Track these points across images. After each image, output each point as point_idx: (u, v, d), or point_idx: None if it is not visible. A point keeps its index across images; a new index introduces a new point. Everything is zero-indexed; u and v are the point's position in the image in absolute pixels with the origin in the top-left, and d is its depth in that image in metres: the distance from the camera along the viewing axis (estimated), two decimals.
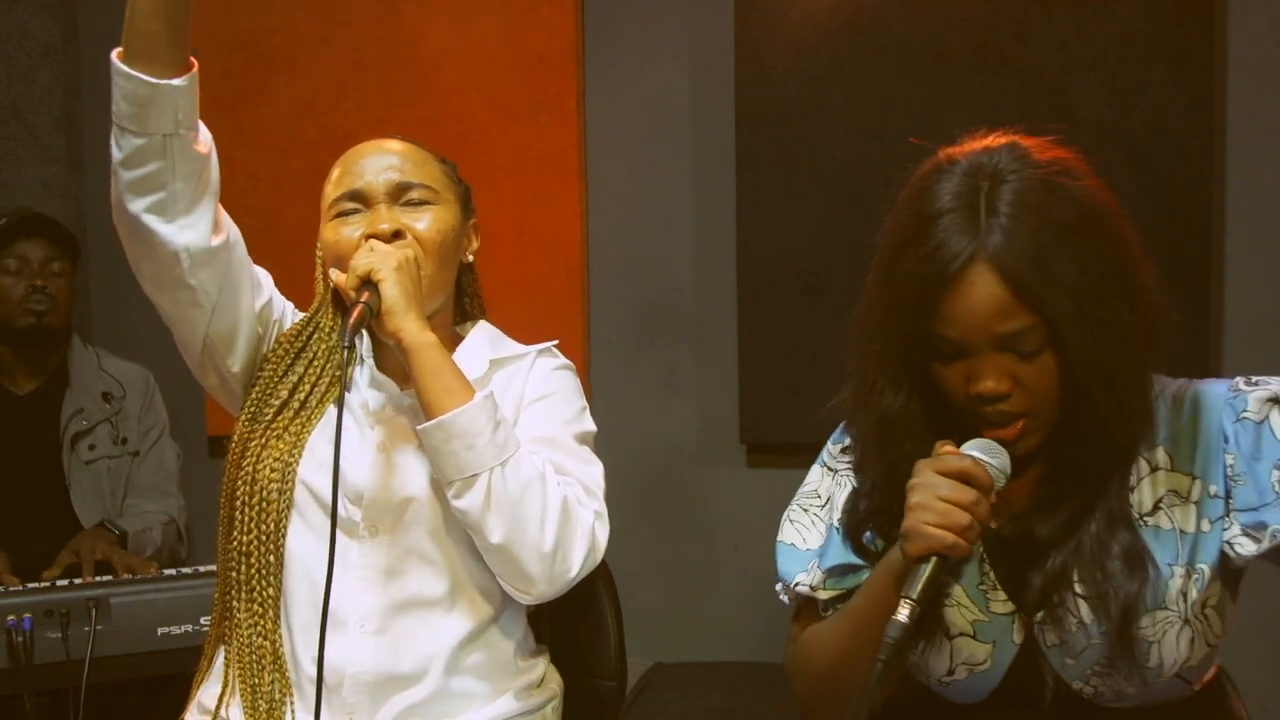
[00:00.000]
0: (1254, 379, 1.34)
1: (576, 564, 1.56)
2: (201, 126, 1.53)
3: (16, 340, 2.64)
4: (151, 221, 1.51)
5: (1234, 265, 2.69)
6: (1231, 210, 2.70)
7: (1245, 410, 1.30)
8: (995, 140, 1.31)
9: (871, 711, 1.42)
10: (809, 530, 1.48)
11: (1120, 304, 1.24)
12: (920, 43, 2.78)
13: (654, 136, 3.02)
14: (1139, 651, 1.28)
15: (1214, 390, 1.34)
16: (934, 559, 1.22)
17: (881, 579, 1.32)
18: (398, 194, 1.64)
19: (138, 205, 1.50)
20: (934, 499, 1.22)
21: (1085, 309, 1.21)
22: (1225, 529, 1.29)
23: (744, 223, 2.93)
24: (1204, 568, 1.29)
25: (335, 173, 1.68)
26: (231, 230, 1.60)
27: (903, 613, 1.20)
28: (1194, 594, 1.29)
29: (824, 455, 1.54)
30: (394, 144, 1.69)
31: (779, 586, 1.51)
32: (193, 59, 1.50)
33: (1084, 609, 1.30)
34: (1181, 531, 1.30)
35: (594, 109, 3.04)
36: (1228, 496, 1.29)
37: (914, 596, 1.20)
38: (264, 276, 1.70)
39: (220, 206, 1.59)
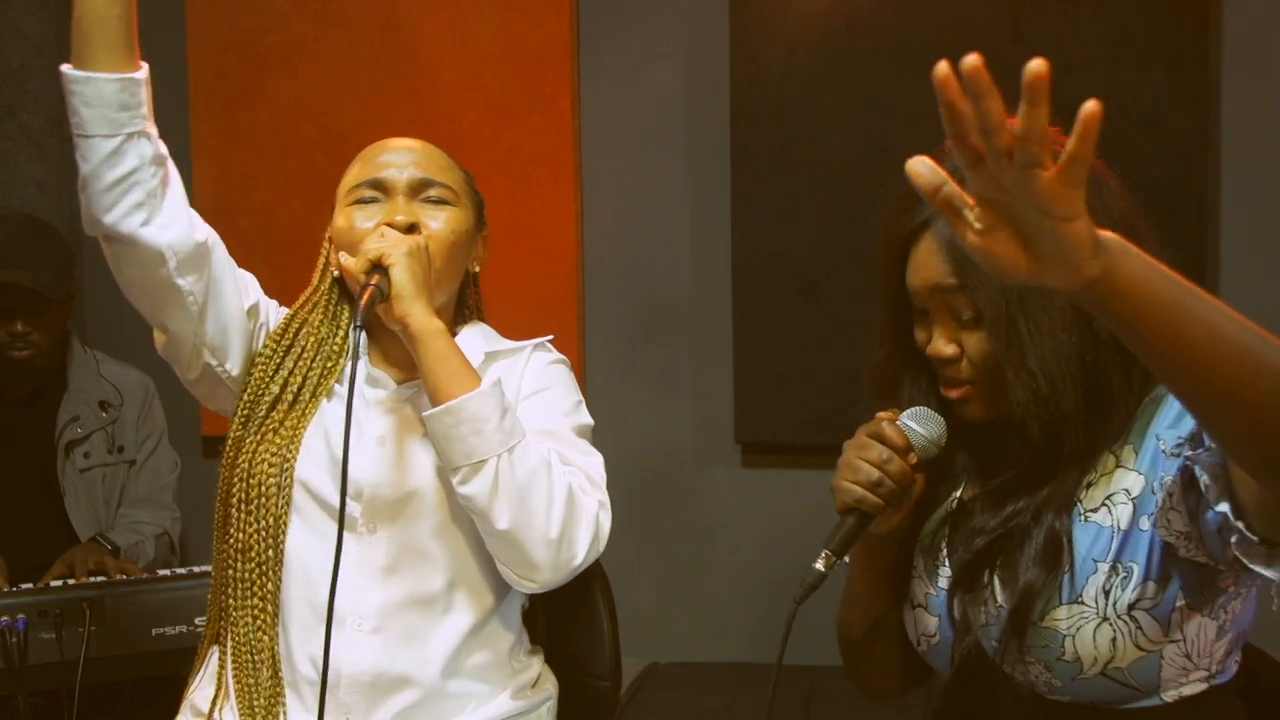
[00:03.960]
0: None
1: (582, 551, 1.57)
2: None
3: (11, 371, 2.60)
4: (132, 226, 1.51)
5: (1229, 265, 2.70)
6: (1226, 210, 2.70)
7: None
8: None
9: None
10: None
11: (1053, 300, 1.26)
12: (916, 42, 2.77)
13: (649, 136, 3.02)
14: (1035, 641, 1.30)
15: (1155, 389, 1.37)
16: (856, 513, 1.32)
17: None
18: (418, 189, 1.65)
19: (116, 214, 1.50)
20: (852, 457, 1.33)
21: (1010, 296, 1.26)
22: (1155, 520, 1.28)
23: (739, 222, 2.92)
24: (1134, 566, 1.28)
25: (356, 164, 1.70)
26: (210, 232, 1.61)
27: (819, 562, 1.31)
28: (1120, 593, 1.28)
29: None
30: (419, 143, 1.71)
31: None
32: (140, 60, 1.52)
33: (1000, 593, 1.33)
34: (1116, 528, 1.30)
35: (589, 108, 3.04)
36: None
37: (830, 548, 1.31)
38: (249, 278, 1.70)
39: (193, 210, 1.60)
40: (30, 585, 2.15)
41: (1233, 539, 1.13)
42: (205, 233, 1.59)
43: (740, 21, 2.89)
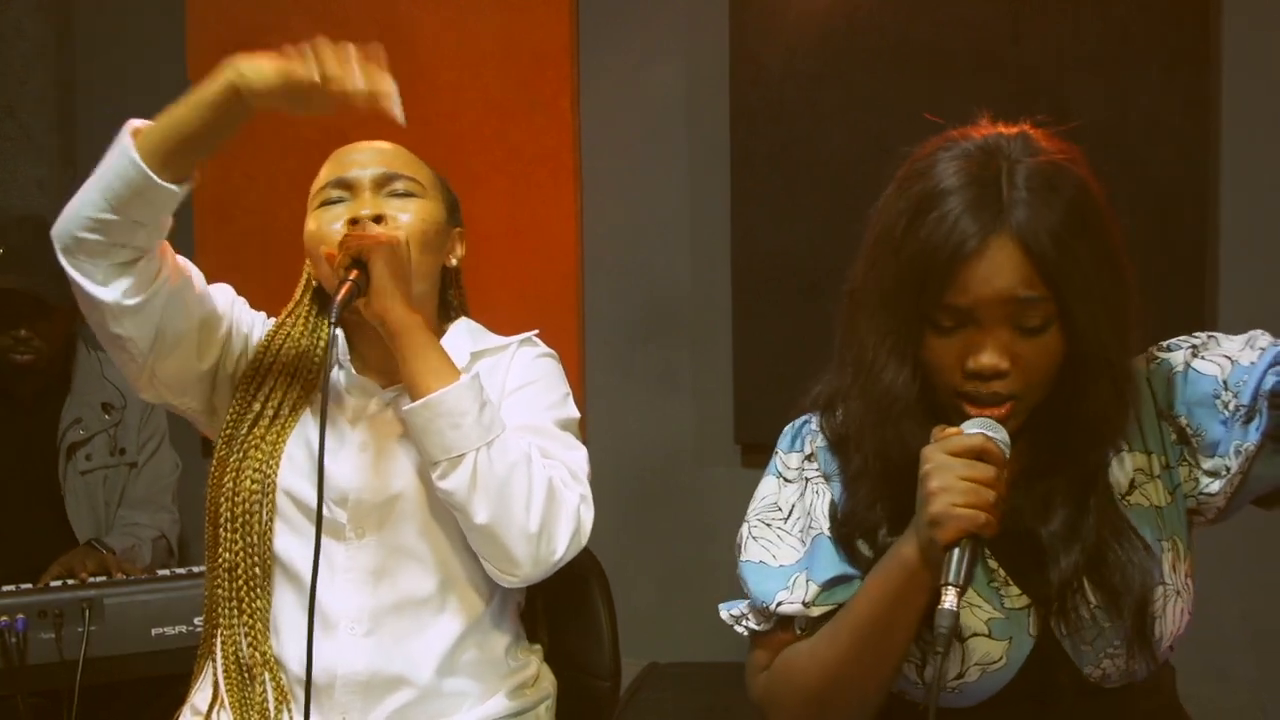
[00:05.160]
0: (1165, 344, 1.39)
1: (562, 545, 1.56)
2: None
3: (14, 374, 2.60)
4: (73, 273, 1.50)
5: (1229, 263, 2.70)
6: (1226, 209, 2.70)
7: (1172, 372, 1.36)
8: (1005, 128, 1.33)
9: None
10: (777, 545, 1.44)
11: (1118, 291, 1.28)
12: (916, 42, 2.78)
13: (649, 136, 3.02)
14: (1150, 631, 1.31)
15: (1137, 368, 1.37)
16: (967, 541, 1.20)
17: (890, 577, 1.28)
18: (383, 183, 1.66)
19: (65, 257, 1.50)
20: (955, 479, 1.20)
21: (1094, 291, 1.24)
22: (1187, 492, 1.34)
23: (739, 222, 2.93)
24: (1177, 538, 1.34)
25: (323, 168, 1.70)
26: (167, 281, 1.54)
27: (949, 600, 1.18)
28: (1179, 565, 1.33)
29: (776, 466, 1.50)
30: (383, 142, 1.72)
31: (738, 611, 1.47)
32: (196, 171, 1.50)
33: (1095, 595, 1.31)
34: (1156, 507, 1.34)
35: (589, 108, 3.04)
36: (1186, 457, 1.35)
37: (957, 582, 1.18)
38: (224, 305, 1.67)
39: (169, 254, 1.56)
40: (30, 585, 2.15)
41: None
42: (154, 288, 1.53)
43: (740, 21, 2.89)
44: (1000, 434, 1.25)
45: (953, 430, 1.25)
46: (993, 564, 1.34)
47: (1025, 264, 1.22)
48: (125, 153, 1.44)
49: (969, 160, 1.28)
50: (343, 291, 1.50)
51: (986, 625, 1.32)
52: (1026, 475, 1.35)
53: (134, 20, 3.29)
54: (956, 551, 1.20)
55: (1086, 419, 1.30)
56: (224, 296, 1.69)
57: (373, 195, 1.64)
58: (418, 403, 1.53)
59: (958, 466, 1.21)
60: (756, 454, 2.97)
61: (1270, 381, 1.26)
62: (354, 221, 1.60)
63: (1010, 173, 1.25)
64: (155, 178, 1.44)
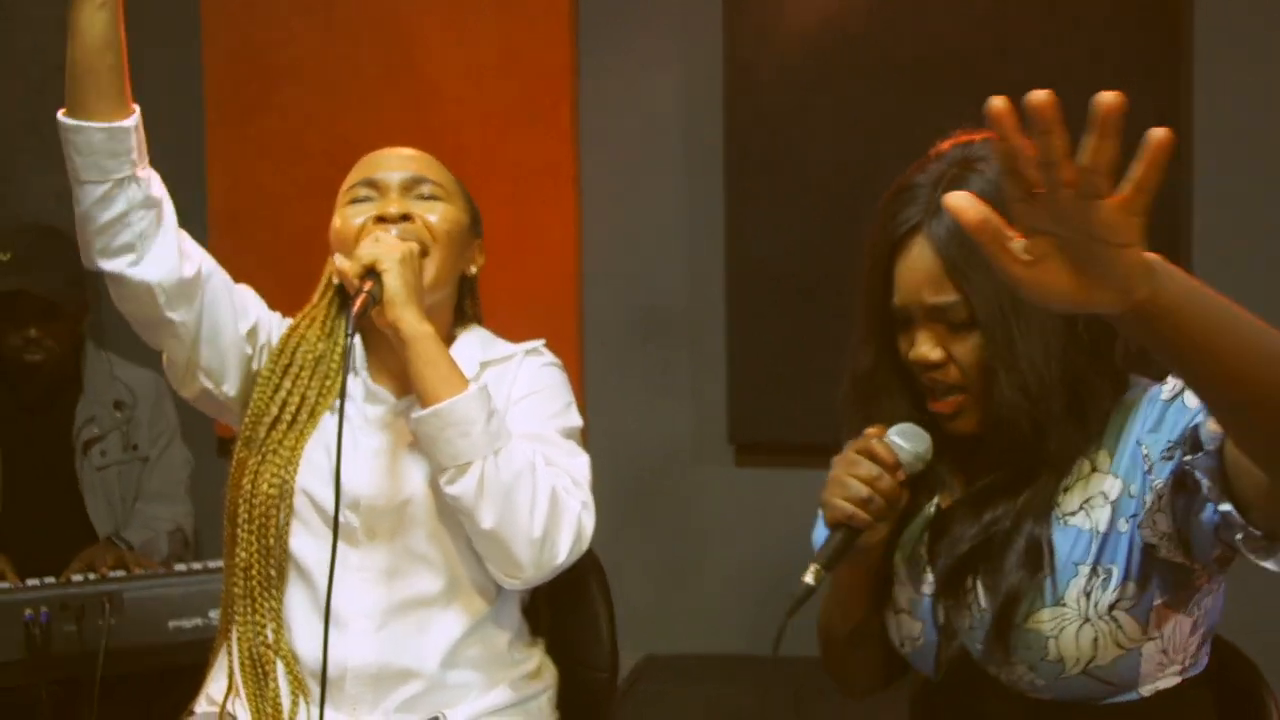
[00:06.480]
0: None
1: (564, 551, 1.61)
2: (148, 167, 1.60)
3: (24, 373, 2.66)
4: (121, 266, 1.57)
5: (1200, 272, 2.74)
6: (1198, 222, 2.76)
7: (1161, 394, 1.32)
8: (980, 135, 1.36)
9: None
10: None
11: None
12: (904, 55, 2.83)
13: (646, 145, 3.06)
14: (1019, 643, 1.31)
15: (1150, 388, 1.36)
16: (845, 528, 1.31)
17: None
18: (410, 186, 1.70)
19: (107, 253, 1.57)
20: (843, 473, 1.32)
21: (1003, 297, 1.25)
22: (1140, 522, 1.30)
23: (733, 228, 2.97)
24: (1113, 568, 1.31)
25: (354, 170, 1.74)
26: (204, 261, 1.64)
27: (808, 575, 1.29)
28: (1100, 594, 1.30)
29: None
30: (412, 149, 1.76)
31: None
32: (134, 104, 1.57)
33: (983, 598, 1.35)
34: (1095, 531, 1.32)
35: (588, 119, 3.09)
36: (1152, 487, 1.29)
37: (819, 562, 1.30)
38: (250, 299, 1.74)
39: (187, 238, 1.64)
40: (53, 579, 2.21)
41: (1237, 536, 1.13)
42: (196, 265, 1.62)
43: (734, 33, 2.94)
44: (912, 442, 1.34)
45: (874, 430, 1.35)
46: (923, 549, 1.42)
47: (935, 265, 1.29)
48: (68, 129, 1.53)
49: (931, 166, 1.34)
50: (358, 303, 1.54)
51: (909, 604, 1.43)
52: (985, 474, 1.39)
53: (150, 34, 3.32)
54: (831, 535, 1.32)
55: (1000, 426, 1.31)
56: (249, 291, 1.75)
57: (400, 196, 1.68)
58: (427, 411, 1.57)
59: (851, 463, 1.32)
60: (750, 454, 3.02)
61: (1199, 419, 1.21)
62: (380, 219, 1.65)
63: (953, 178, 1.30)
64: (103, 124, 1.52)
